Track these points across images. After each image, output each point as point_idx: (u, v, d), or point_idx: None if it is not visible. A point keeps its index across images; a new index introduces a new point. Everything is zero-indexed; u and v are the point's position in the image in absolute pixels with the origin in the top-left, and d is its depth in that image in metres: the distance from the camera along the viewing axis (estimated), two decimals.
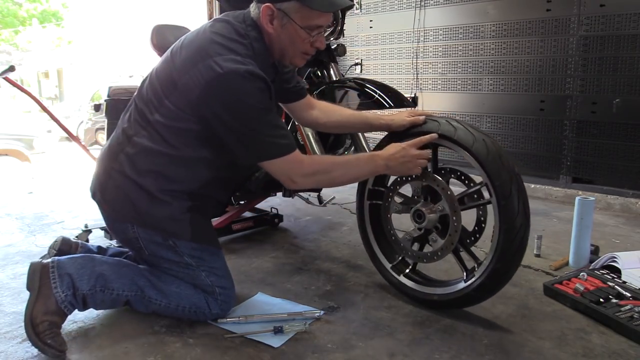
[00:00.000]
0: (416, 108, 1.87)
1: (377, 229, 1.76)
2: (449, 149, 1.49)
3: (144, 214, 1.43)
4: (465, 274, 1.52)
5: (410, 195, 1.65)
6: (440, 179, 1.49)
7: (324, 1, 1.35)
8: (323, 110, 1.71)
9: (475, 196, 1.49)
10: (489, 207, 1.45)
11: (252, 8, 1.42)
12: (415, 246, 1.62)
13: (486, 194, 1.44)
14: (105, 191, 1.46)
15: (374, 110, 1.79)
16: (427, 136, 1.47)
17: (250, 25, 1.40)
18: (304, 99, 1.68)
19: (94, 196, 1.52)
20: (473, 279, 1.47)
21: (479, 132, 1.42)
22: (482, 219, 1.51)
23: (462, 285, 1.50)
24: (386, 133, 1.65)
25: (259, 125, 1.34)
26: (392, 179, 1.68)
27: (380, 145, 1.62)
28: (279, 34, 1.39)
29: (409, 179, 1.58)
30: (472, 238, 1.53)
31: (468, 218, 1.51)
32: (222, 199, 1.71)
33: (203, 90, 1.30)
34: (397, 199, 1.65)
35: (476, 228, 1.52)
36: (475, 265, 1.48)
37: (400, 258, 1.70)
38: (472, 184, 1.51)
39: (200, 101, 1.33)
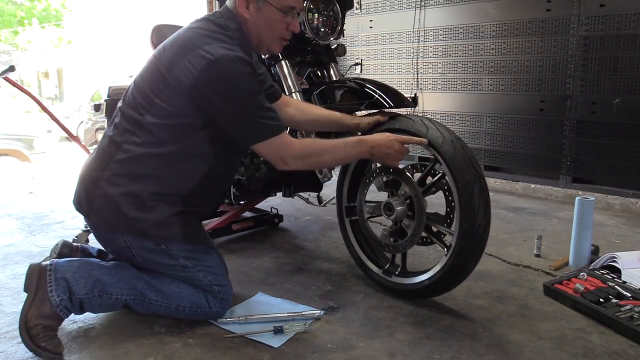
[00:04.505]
0: (416, 108, 1.93)
1: (362, 242, 1.88)
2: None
3: (134, 220, 1.40)
4: (445, 249, 1.57)
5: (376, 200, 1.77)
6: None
7: None
8: (298, 108, 1.76)
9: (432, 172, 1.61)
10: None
11: (228, 1, 1.48)
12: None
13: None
14: (92, 201, 1.44)
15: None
16: (418, 138, 1.52)
17: (229, 17, 1.47)
18: (279, 99, 1.73)
19: (79, 207, 1.49)
20: (451, 248, 1.52)
21: (418, 116, 1.62)
22: (450, 198, 1.58)
23: (444, 259, 1.55)
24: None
25: (251, 108, 1.38)
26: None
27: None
28: (255, 19, 1.45)
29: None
30: (448, 220, 1.61)
31: (442, 207, 1.61)
32: (212, 202, 1.75)
33: (196, 78, 1.33)
34: (368, 205, 1.78)
35: (448, 210, 1.60)
36: (452, 238, 1.55)
37: (390, 261, 1.76)
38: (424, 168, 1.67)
39: (194, 90, 1.35)
